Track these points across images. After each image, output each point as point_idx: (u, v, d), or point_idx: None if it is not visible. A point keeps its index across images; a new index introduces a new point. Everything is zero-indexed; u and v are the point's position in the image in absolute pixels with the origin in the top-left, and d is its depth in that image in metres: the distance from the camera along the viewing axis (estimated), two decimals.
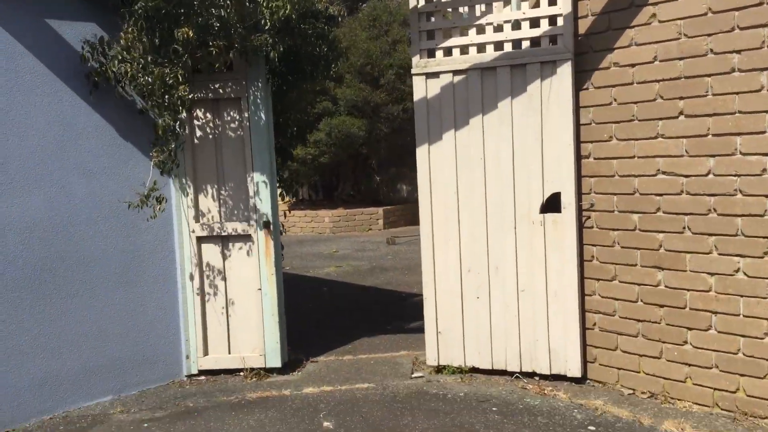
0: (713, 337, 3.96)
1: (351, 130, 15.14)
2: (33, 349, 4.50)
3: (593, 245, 4.51)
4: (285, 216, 16.82)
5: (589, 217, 4.51)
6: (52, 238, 4.56)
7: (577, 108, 4.48)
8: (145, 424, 4.26)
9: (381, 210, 15.98)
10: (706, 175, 3.92)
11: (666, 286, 4.15)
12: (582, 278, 4.57)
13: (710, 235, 3.93)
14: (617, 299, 4.41)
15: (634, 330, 4.34)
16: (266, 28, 4.55)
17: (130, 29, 4.37)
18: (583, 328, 4.60)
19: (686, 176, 4.00)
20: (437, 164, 4.82)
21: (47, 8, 4.52)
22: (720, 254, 3.89)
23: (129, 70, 4.42)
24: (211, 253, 5.14)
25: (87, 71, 4.61)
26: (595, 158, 4.44)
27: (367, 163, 17.14)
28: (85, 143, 4.70)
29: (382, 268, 10.01)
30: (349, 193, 17.38)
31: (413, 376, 4.95)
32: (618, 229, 4.36)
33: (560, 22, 4.42)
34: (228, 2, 4.45)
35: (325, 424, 4.08)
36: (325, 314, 7.18)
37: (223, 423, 4.19)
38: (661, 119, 4.08)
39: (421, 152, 4.86)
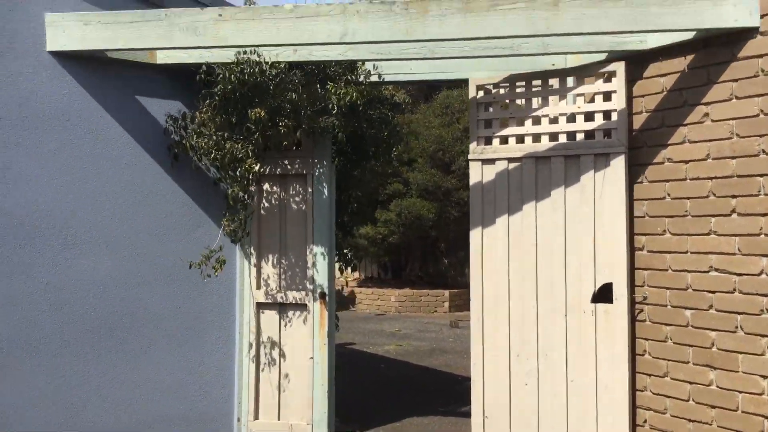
0: None
1: (421, 213, 15.39)
2: (93, 400, 4.72)
3: (645, 339, 4.45)
4: (352, 293, 17.06)
5: (642, 310, 4.47)
6: (123, 295, 4.86)
7: (630, 200, 4.53)
8: None
9: (447, 293, 15.98)
10: (759, 274, 3.87)
11: (718, 386, 4.04)
12: (633, 372, 4.50)
13: (763, 336, 3.84)
14: (669, 396, 4.31)
15: (685, 430, 4.21)
16: (333, 112, 4.86)
17: (205, 108, 4.76)
18: (634, 424, 4.49)
19: (738, 274, 3.96)
20: (489, 248, 4.92)
21: (139, 86, 4.99)
22: None
23: (204, 144, 4.79)
24: (269, 319, 5.34)
25: (168, 143, 5.02)
26: (648, 251, 4.45)
27: (436, 245, 17.28)
28: (162, 208, 5.06)
29: (442, 350, 9.97)
30: (416, 274, 17.49)
31: None
32: (671, 324, 4.31)
33: (614, 117, 4.54)
34: (299, 88, 4.79)
35: None
36: (380, 390, 7.22)
37: None
38: (713, 216, 4.09)
39: (474, 235, 4.98)
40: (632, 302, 4.49)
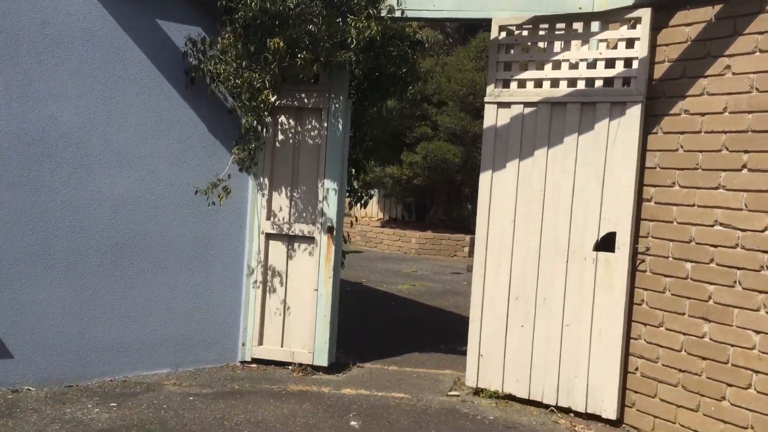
0: (752, 397, 3.86)
1: (447, 156, 15.32)
2: (105, 314, 4.93)
3: (644, 289, 4.47)
4: (371, 232, 17.20)
5: (643, 261, 4.48)
6: (136, 216, 5.00)
7: (643, 151, 4.49)
8: (191, 398, 4.58)
9: (468, 237, 16.02)
10: (763, 231, 3.84)
11: (711, 339, 4.08)
12: (629, 321, 4.54)
13: (760, 292, 3.84)
14: (662, 346, 4.36)
15: (674, 379, 4.27)
16: (351, 46, 4.84)
17: (227, 35, 4.78)
18: (625, 371, 4.56)
19: (743, 230, 3.93)
20: (498, 191, 4.93)
21: (160, 9, 5.01)
22: None
23: (222, 71, 4.82)
24: (277, 250, 5.45)
25: (186, 67, 5.05)
26: (656, 202, 4.43)
27: (461, 190, 17.26)
28: (177, 134, 5.14)
29: (454, 292, 10.09)
30: (440, 218, 17.54)
31: (449, 393, 5.05)
32: (670, 276, 4.32)
33: (635, 65, 4.46)
34: (319, 19, 4.77)
35: (352, 423, 4.26)
36: (386, 326, 7.37)
37: (259, 407, 4.45)
38: (724, 170, 4.04)
39: (483, 178, 4.99)
40: (634, 252, 4.50)
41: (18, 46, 4.52)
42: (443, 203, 17.63)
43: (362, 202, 5.93)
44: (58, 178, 4.70)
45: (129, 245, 5.00)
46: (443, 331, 7.32)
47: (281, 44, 4.68)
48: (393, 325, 7.46)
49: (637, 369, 4.51)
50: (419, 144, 15.76)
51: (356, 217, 9.36)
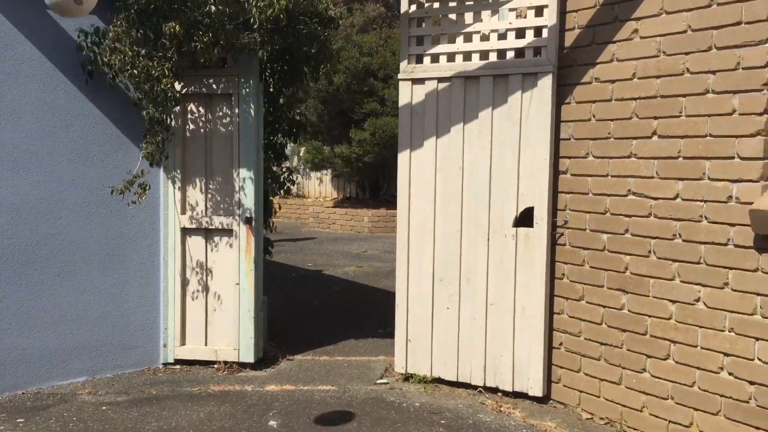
0: (671, 367, 3.80)
1: (396, 131, 15.10)
2: (12, 326, 4.67)
3: (565, 263, 4.39)
4: (324, 213, 17.00)
5: (562, 234, 4.39)
6: (37, 220, 4.74)
7: (558, 122, 4.37)
8: (104, 407, 4.38)
9: None
10: (674, 198, 3.76)
11: (629, 311, 4.01)
12: (552, 296, 4.46)
13: (674, 261, 3.77)
14: (583, 320, 4.28)
15: (597, 353, 4.21)
16: (255, 27, 4.60)
17: (119, 22, 4.50)
18: (550, 347, 4.48)
19: (655, 199, 3.85)
20: (417, 171, 4.78)
21: None
22: (682, 281, 3.73)
23: (117, 62, 4.55)
24: (195, 245, 5.24)
25: (82, 60, 4.77)
26: (572, 174, 4.32)
27: None
28: (78, 130, 4.86)
29: None
30: (392, 194, 17.39)
31: (378, 382, 4.93)
32: (588, 248, 4.23)
33: (545, 33, 4.32)
34: (215, 0, 4.52)
35: (271, 423, 4.11)
36: (324, 313, 7.22)
37: (174, 412, 4.27)
38: (635, 138, 3.94)
39: (402, 158, 4.83)
40: (553, 226, 4.40)
41: None
42: (395, 179, 17.49)
43: (284, 188, 5.72)
44: None
45: (32, 251, 4.73)
46: (383, 314, 7.18)
47: (177, 28, 4.43)
48: (332, 311, 7.31)
49: (561, 344, 4.43)
50: (367, 120, 15.54)
51: (298, 196, 9.13)
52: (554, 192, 4.40)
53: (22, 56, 4.59)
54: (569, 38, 4.29)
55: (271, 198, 5.66)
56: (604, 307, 4.14)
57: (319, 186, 19.22)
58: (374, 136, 15.28)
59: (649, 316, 3.89)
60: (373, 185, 17.82)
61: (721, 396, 3.58)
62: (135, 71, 4.53)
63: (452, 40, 4.66)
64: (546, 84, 4.29)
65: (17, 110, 4.62)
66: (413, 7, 4.77)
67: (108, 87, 4.82)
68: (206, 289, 5.23)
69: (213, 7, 4.55)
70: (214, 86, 5.09)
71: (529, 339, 4.46)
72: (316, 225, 16.85)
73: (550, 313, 4.47)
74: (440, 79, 4.67)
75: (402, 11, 4.79)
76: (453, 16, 4.66)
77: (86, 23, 4.78)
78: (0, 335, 4.62)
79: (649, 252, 3.88)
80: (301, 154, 18.18)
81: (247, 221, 5.10)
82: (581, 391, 4.31)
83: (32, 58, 4.64)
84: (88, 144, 4.90)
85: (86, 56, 4.74)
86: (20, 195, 4.65)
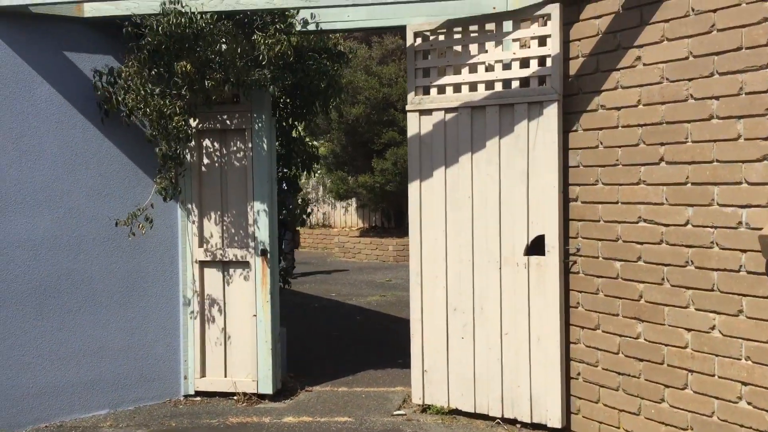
0: (689, 397, 3.72)
1: None
2: (35, 359, 4.77)
3: (579, 291, 4.34)
4: (350, 243, 17.05)
5: (575, 262, 4.36)
6: (58, 255, 4.84)
7: (566, 150, 4.36)
8: None
9: None
10: (685, 225, 3.72)
11: (645, 339, 3.95)
12: (567, 325, 4.41)
13: (687, 288, 3.71)
14: (600, 349, 4.22)
15: (615, 383, 4.14)
16: (263, 63, 4.70)
17: (131, 62, 4.63)
18: (567, 377, 4.42)
19: (666, 225, 3.81)
20: (427, 201, 4.80)
21: (67, 42, 4.86)
22: (696, 309, 3.67)
23: (131, 100, 4.67)
24: (212, 277, 5.30)
25: (98, 100, 4.90)
26: (582, 202, 4.30)
27: None
28: (96, 168, 4.98)
29: None
30: None
31: (395, 413, 4.90)
32: (602, 276, 4.19)
33: (549, 62, 4.34)
34: (228, 38, 4.63)
35: None
36: (345, 343, 7.22)
37: None
38: (643, 165, 3.92)
39: (412, 188, 4.86)
40: (566, 254, 4.37)
41: None
42: None
43: (299, 221, 5.77)
44: None
45: (53, 286, 4.83)
46: (403, 344, 7.14)
47: (188, 67, 4.54)
48: (352, 342, 7.30)
49: (579, 374, 4.37)
50: (388, 150, 15.64)
51: (324, 226, 9.21)
52: (565, 220, 4.38)
53: (40, 97, 4.74)
54: (573, 66, 4.30)
55: (297, 229, 5.72)
56: (620, 336, 4.08)
57: (345, 216, 19.31)
58: (396, 165, 15.35)
59: (666, 345, 3.83)
60: (397, 214, 17.85)
61: (741, 426, 3.49)
62: (148, 110, 4.64)
63: (458, 71, 4.70)
64: (552, 112, 4.30)
65: (37, 149, 4.75)
66: (419, 40, 4.83)
67: (124, 125, 4.94)
68: (224, 320, 5.28)
69: (223, 46, 4.66)
70: (227, 122, 5.19)
71: (546, 369, 4.41)
72: (342, 255, 16.91)
73: (566, 342, 4.42)
74: (447, 110, 4.70)
75: (408, 44, 4.84)
76: (458, 48, 4.71)
77: (101, 63, 4.93)
78: (23, 369, 4.71)
79: (663, 279, 3.83)
80: (326, 185, 18.32)
81: (263, 253, 5.15)
82: (601, 422, 4.24)
83: (50, 98, 4.79)
84: (106, 180, 5.02)
85: (102, 96, 4.87)
86: (41, 231, 4.77)
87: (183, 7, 4.52)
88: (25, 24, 4.70)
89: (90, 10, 4.86)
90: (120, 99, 4.76)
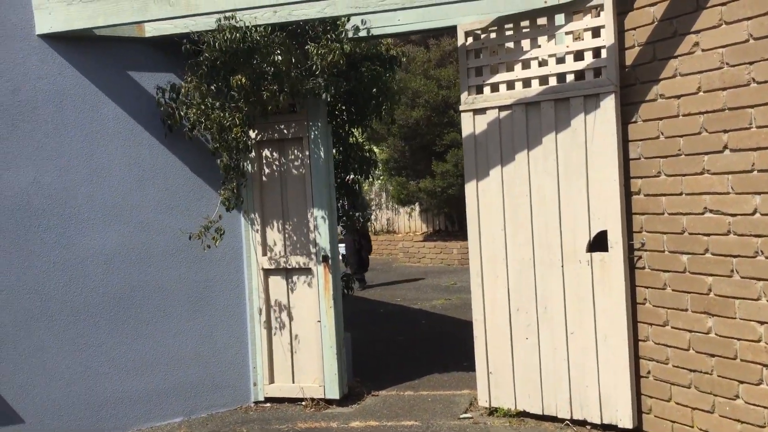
0: (765, 393, 3.57)
1: None
2: (111, 369, 4.96)
3: (645, 287, 4.23)
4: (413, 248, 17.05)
5: (640, 257, 4.24)
6: (129, 268, 5.03)
7: (625, 142, 4.26)
8: None
9: None
10: (752, 214, 3.57)
11: (716, 334, 3.81)
12: (634, 322, 4.29)
13: (758, 279, 3.56)
14: (669, 346, 4.10)
15: (686, 380, 4.01)
16: (317, 72, 4.77)
17: (190, 78, 4.78)
18: (637, 376, 4.30)
19: (732, 215, 3.67)
20: (485, 200, 4.76)
21: (130, 61, 5.06)
22: None
23: (192, 115, 4.82)
24: (277, 285, 5.40)
25: (162, 116, 5.08)
26: (644, 195, 4.19)
27: None
28: (162, 182, 5.16)
29: None
30: None
31: (461, 416, 4.87)
32: (668, 271, 4.07)
33: (604, 54, 4.25)
34: (281, 50, 4.72)
35: None
36: (410, 347, 7.22)
37: None
38: (706, 154, 3.79)
39: (469, 188, 4.83)
40: (630, 249, 4.26)
41: None
42: None
43: (359, 225, 5.82)
44: (48, 240, 4.77)
45: (127, 297, 5.02)
46: (469, 347, 7.09)
47: (243, 80, 4.65)
48: (418, 346, 7.30)
49: (649, 372, 4.25)
50: (449, 152, 15.58)
51: (389, 232, 9.27)
52: (628, 214, 4.28)
53: (107, 116, 4.95)
54: (629, 56, 4.20)
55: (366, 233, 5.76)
56: (690, 331, 3.95)
57: (409, 221, 19.33)
58: (456, 167, 15.26)
59: (738, 339, 3.68)
60: (460, 217, 17.72)
61: None
62: (209, 123, 4.78)
63: (510, 68, 4.66)
64: (609, 104, 4.21)
65: (106, 167, 4.96)
66: (470, 40, 4.81)
67: (187, 139, 5.10)
68: (289, 327, 5.37)
69: (278, 57, 4.76)
70: (285, 131, 5.29)
71: (614, 368, 4.30)
72: (407, 260, 16.92)
73: (634, 340, 4.30)
74: (501, 108, 4.66)
75: (459, 44, 4.83)
76: (510, 45, 4.66)
77: (163, 81, 5.11)
78: (99, 379, 4.91)
79: (732, 271, 3.69)
80: (388, 191, 18.39)
81: (324, 259, 5.22)
82: (674, 422, 4.10)
83: (117, 117, 4.99)
84: (172, 193, 5.19)
85: (165, 112, 5.04)
86: (113, 245, 4.97)
87: (237, 22, 4.63)
88: (90, 47, 4.91)
89: (151, 30, 5.04)
90: (182, 114, 4.91)
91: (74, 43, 4.86)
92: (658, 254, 4.12)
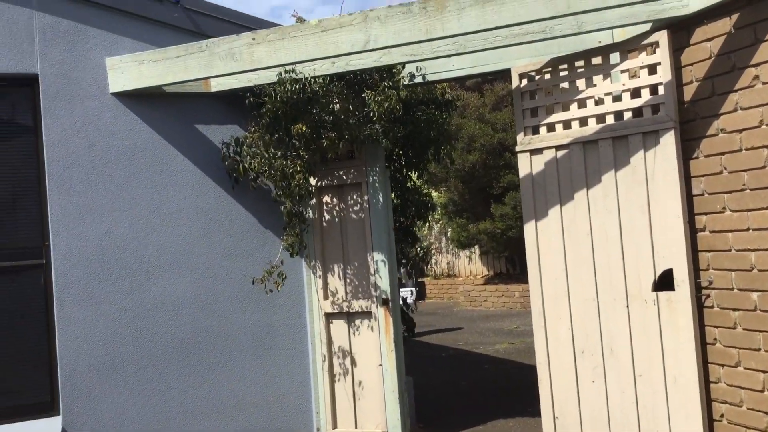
0: None
1: None
2: (179, 414, 5.08)
3: (714, 326, 4.10)
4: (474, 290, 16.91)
5: (708, 296, 4.13)
6: (197, 314, 5.18)
7: (687, 178, 4.20)
8: None
9: None
10: None
11: None
12: (705, 363, 4.16)
13: None
14: (743, 388, 3.94)
15: (762, 424, 3.84)
16: (374, 119, 4.89)
17: (254, 129, 4.97)
18: (710, 420, 4.14)
19: None
20: (545, 240, 4.73)
21: (197, 115, 5.30)
22: None
23: (256, 164, 4.99)
24: (339, 328, 5.46)
25: (227, 169, 5.27)
26: (710, 231, 4.10)
27: None
28: (228, 229, 5.33)
29: None
30: None
31: None
32: (738, 309, 3.94)
33: (661, 90, 4.23)
34: (339, 99, 4.87)
35: None
36: (475, 392, 7.13)
37: None
38: None
39: (528, 228, 4.82)
40: (697, 288, 4.15)
41: (70, 171, 4.90)
42: None
43: (417, 268, 5.84)
44: (119, 288, 4.97)
45: (194, 343, 5.15)
46: (534, 391, 6.97)
47: (304, 129, 4.80)
48: (481, 390, 7.20)
49: (722, 416, 4.09)
50: (507, 194, 15.52)
51: (449, 276, 9.26)
52: (693, 251, 4.18)
53: (175, 168, 5.17)
54: (688, 92, 4.16)
55: (421, 280, 5.81)
56: (765, 372, 3.80)
57: (469, 264, 19.21)
58: (515, 209, 15.18)
59: None
60: (521, 259, 17.50)
61: None
62: (272, 171, 4.94)
63: (566, 108, 4.67)
64: (669, 140, 4.17)
65: (175, 216, 5.16)
66: (524, 81, 4.86)
67: (251, 188, 5.27)
68: (351, 371, 5.40)
69: (336, 106, 4.90)
70: (344, 177, 5.40)
71: (686, 412, 4.16)
72: (468, 303, 16.77)
73: (705, 382, 4.16)
74: (558, 147, 4.66)
75: (513, 86, 4.88)
76: (565, 85, 4.69)
77: (227, 132, 5.32)
78: (168, 423, 5.02)
79: None
80: (448, 234, 18.37)
81: (384, 303, 5.25)
82: None
83: (185, 168, 5.21)
84: (237, 241, 5.34)
85: (230, 164, 5.23)
86: (181, 291, 5.13)
87: (297, 74, 4.80)
88: (160, 103, 5.18)
89: (216, 85, 5.28)
90: (246, 165, 5.09)
91: (145, 100, 5.13)
92: (726, 292, 4.00)
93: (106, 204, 4.97)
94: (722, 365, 4.06)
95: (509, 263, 17.82)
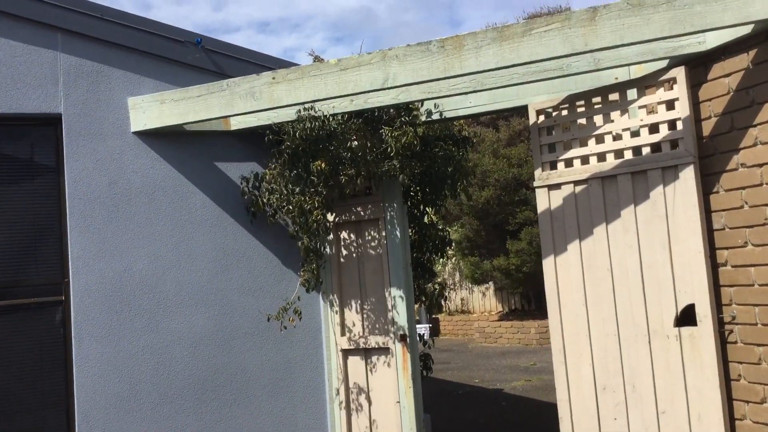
0: None
1: None
2: None
3: (739, 362, 4.04)
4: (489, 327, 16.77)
5: (731, 331, 4.08)
6: (214, 350, 5.17)
7: (708, 213, 4.19)
8: None
9: None
10: None
11: None
12: (730, 400, 4.09)
13: None
14: None
15: None
16: (392, 155, 4.93)
17: (273, 165, 5.02)
18: None
19: None
20: (564, 276, 4.71)
21: (217, 153, 5.36)
22: None
23: (275, 201, 5.03)
24: (356, 365, 5.42)
25: (246, 203, 5.31)
26: (732, 266, 4.07)
27: None
28: (245, 265, 5.34)
29: None
30: None
31: None
32: (763, 345, 3.89)
33: (680, 126, 4.24)
34: (357, 135, 4.92)
35: None
36: (493, 430, 7.02)
37: None
38: None
39: (547, 264, 4.80)
40: (720, 323, 4.11)
41: (91, 209, 4.95)
42: None
43: (435, 306, 5.83)
44: (137, 325, 4.98)
45: (210, 380, 5.13)
46: (552, 430, 6.87)
47: (323, 165, 4.84)
48: (499, 428, 7.10)
49: None
50: (522, 230, 15.50)
51: (463, 312, 9.21)
52: (715, 286, 4.15)
53: (195, 205, 5.21)
54: (706, 127, 4.17)
55: (435, 316, 5.79)
56: None
57: (483, 300, 19.11)
58: (531, 245, 15.14)
59: None
60: (537, 295, 17.41)
61: None
62: (290, 207, 4.97)
63: (584, 143, 4.69)
64: (688, 175, 4.17)
65: (193, 253, 5.18)
66: (542, 118, 4.89)
67: (269, 224, 5.30)
68: (369, 408, 5.34)
69: (354, 143, 4.95)
70: (361, 213, 5.43)
71: None
72: (483, 340, 16.64)
73: (730, 419, 4.09)
74: (576, 182, 4.67)
75: (531, 122, 4.92)
76: (582, 120, 4.71)
77: (247, 170, 5.37)
78: None
79: None
80: (461, 270, 18.31)
81: (402, 338, 5.22)
82: None
83: (204, 205, 5.25)
84: (254, 277, 5.35)
85: (248, 200, 5.27)
86: (198, 328, 5.13)
87: (316, 112, 4.86)
88: (180, 141, 5.25)
89: (236, 124, 5.35)
90: (264, 201, 5.13)
91: (165, 138, 5.20)
92: (750, 327, 3.96)
93: (125, 241, 5.01)
94: (747, 402, 3.99)
95: (524, 299, 17.69)
